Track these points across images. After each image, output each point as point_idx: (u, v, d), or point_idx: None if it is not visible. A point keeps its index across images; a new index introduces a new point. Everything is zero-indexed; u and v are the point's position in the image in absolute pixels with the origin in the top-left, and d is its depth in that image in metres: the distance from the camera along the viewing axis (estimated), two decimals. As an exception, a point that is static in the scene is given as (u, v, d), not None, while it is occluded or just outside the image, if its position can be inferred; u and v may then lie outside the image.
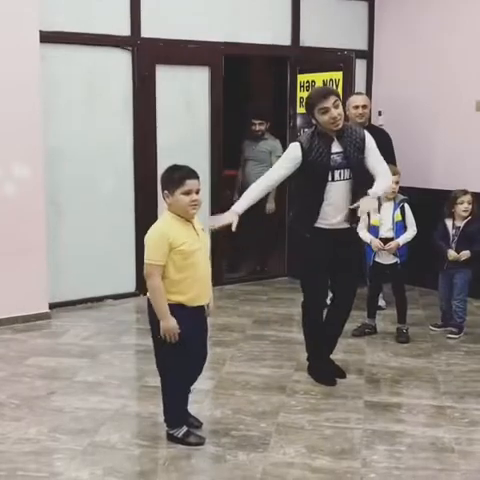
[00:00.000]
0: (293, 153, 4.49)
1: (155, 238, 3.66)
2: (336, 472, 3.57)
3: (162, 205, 6.72)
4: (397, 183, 5.51)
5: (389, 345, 5.50)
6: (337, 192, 4.48)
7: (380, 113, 7.39)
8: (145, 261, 3.66)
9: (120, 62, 6.53)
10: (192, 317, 3.73)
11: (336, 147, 4.47)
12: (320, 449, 3.80)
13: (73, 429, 4.01)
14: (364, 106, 6.17)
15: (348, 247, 4.63)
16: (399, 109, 7.35)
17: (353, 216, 4.54)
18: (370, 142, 4.56)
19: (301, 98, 7.29)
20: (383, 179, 4.55)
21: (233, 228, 4.29)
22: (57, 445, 3.83)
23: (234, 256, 7.81)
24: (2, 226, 5.77)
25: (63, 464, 3.62)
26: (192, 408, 4.03)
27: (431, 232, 5.73)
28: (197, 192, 3.69)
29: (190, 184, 3.66)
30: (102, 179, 6.54)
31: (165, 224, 3.71)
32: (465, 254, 5.56)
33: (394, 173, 5.47)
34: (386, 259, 5.57)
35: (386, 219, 5.53)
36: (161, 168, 6.66)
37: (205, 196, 7.08)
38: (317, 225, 4.53)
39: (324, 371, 4.74)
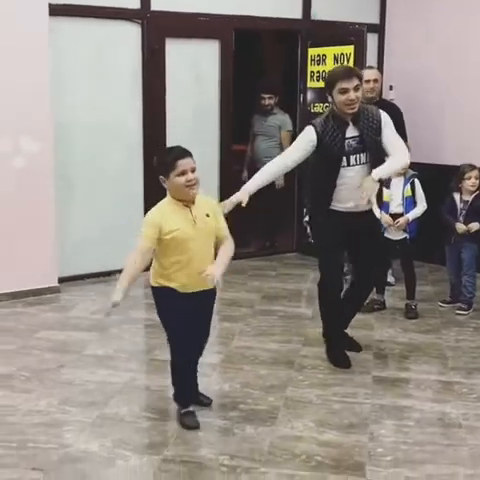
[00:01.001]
0: (308, 136, 4.40)
1: (147, 220, 3.63)
2: (344, 446, 3.59)
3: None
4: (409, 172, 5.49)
5: (398, 321, 5.50)
6: (354, 177, 4.38)
7: (391, 87, 7.33)
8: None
9: (129, 35, 6.48)
10: (183, 301, 3.65)
11: (351, 131, 4.38)
12: (328, 423, 3.82)
13: (83, 402, 4.04)
14: (375, 80, 6.11)
15: (367, 229, 4.54)
16: (410, 83, 7.29)
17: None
18: (386, 121, 4.46)
19: (312, 72, 7.25)
20: (392, 160, 4.43)
21: (243, 204, 4.27)
22: (67, 417, 3.87)
23: (243, 231, 7.78)
24: (12, 200, 5.78)
25: (72, 436, 3.66)
26: (201, 382, 4.05)
27: (441, 208, 5.71)
28: (192, 171, 3.60)
29: (182, 164, 3.57)
30: (111, 153, 6.52)
31: (159, 210, 3.65)
32: (474, 225, 5.54)
33: None
34: (395, 235, 5.55)
35: (396, 194, 5.51)
36: (170, 142, 6.74)
37: (214, 171, 7.08)
38: (333, 208, 4.46)
39: (341, 356, 4.67)
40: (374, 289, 5.72)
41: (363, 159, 4.41)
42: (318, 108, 7.18)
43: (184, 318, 3.67)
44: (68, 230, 6.29)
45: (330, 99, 4.41)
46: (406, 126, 6.24)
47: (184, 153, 3.64)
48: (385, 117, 4.47)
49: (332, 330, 4.75)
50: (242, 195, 4.29)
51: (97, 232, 6.49)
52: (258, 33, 8.68)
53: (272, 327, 5.33)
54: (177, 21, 6.63)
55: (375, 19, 7.63)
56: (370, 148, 4.40)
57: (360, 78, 4.40)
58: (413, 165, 5.70)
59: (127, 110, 6.55)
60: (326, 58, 7.09)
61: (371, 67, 6.49)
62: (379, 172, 4.32)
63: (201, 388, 4.05)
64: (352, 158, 4.39)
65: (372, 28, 7.39)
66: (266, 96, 7.51)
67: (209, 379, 4.36)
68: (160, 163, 3.70)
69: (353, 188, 4.37)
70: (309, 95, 7.33)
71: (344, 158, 4.37)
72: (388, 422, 3.86)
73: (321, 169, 4.47)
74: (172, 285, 3.66)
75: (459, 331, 5.29)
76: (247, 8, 6.99)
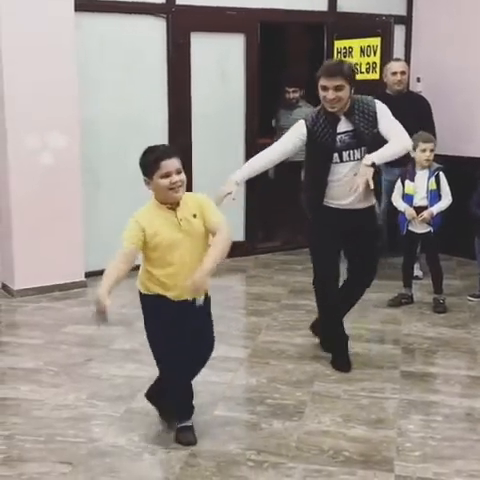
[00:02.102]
0: (298, 130, 4.25)
1: (130, 222, 3.45)
2: (372, 441, 3.57)
3: (196, 174, 6.80)
4: (432, 151, 5.42)
5: (426, 315, 5.45)
6: (348, 173, 4.19)
7: (419, 79, 7.25)
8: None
9: (155, 30, 6.47)
10: (173, 310, 3.40)
11: (344, 126, 4.19)
12: (356, 418, 3.80)
13: (110, 396, 4.06)
14: (402, 72, 6.06)
15: (364, 227, 4.37)
16: (438, 75, 7.20)
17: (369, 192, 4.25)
18: (382, 110, 4.24)
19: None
20: (389, 144, 4.17)
21: (232, 197, 4.11)
22: (95, 411, 3.89)
23: (269, 226, 7.78)
24: (39, 195, 5.81)
25: (101, 430, 3.68)
26: (227, 377, 4.04)
27: (469, 201, 5.65)
28: (177, 172, 3.33)
29: (166, 165, 3.32)
30: (137, 148, 6.44)
31: (143, 213, 3.45)
32: None
33: (428, 141, 5.40)
34: (420, 228, 5.50)
35: (420, 187, 5.45)
36: (196, 136, 6.76)
37: (239, 165, 6.99)
38: (327, 205, 4.30)
39: (340, 360, 4.49)
40: (402, 283, 5.71)
41: (357, 155, 4.20)
42: (344, 101, 7.13)
43: (174, 329, 3.42)
44: (95, 224, 6.32)
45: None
46: (433, 118, 6.19)
47: (168, 153, 3.40)
48: (381, 107, 4.26)
49: (334, 331, 4.54)
50: (229, 186, 4.18)
51: (124, 226, 6.49)
52: (283, 26, 8.62)
53: (299, 321, 5.31)
54: (202, 15, 6.62)
55: (402, 10, 7.54)
56: (365, 143, 4.19)
57: (347, 77, 4.11)
58: (440, 157, 5.65)
59: (153, 105, 6.56)
60: (353, 50, 7.04)
61: (398, 59, 6.44)
62: (373, 156, 4.08)
63: (227, 382, 4.04)
64: (345, 154, 4.19)
65: (399, 19, 7.31)
66: (291, 89, 7.47)
67: (235, 374, 4.36)
68: (143, 163, 3.44)
69: (347, 185, 4.18)
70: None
71: (336, 154, 4.19)
72: (416, 417, 3.83)
73: (313, 165, 4.36)
74: (158, 290, 3.43)
75: (488, 325, 5.24)
76: (272, 1, 6.95)
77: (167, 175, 3.32)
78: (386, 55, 6.63)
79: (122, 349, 4.78)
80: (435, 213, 5.43)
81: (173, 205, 3.38)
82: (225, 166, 7.02)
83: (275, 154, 4.34)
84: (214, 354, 4.55)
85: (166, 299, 3.42)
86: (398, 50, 7.17)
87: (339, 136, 4.19)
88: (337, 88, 4.08)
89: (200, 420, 3.78)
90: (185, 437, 3.54)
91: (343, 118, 4.20)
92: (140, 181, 6.84)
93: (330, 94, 4.10)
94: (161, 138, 6.62)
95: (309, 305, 5.66)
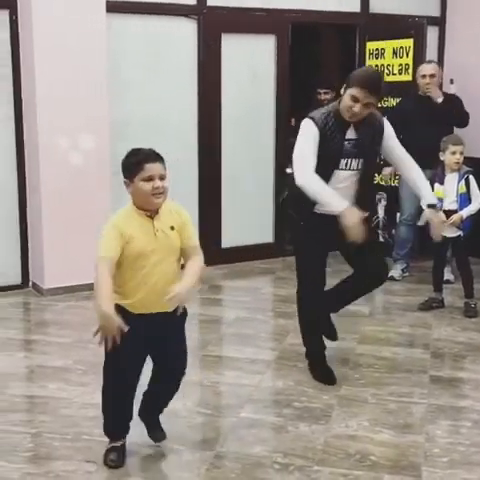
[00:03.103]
0: (312, 131, 3.96)
1: (107, 228, 3.14)
2: (399, 446, 3.53)
3: (226, 176, 6.79)
4: (462, 154, 5.35)
5: (456, 320, 5.38)
6: (339, 181, 4.02)
7: (452, 81, 7.16)
8: (96, 257, 3.09)
9: (186, 31, 6.49)
10: (135, 323, 3.09)
11: (350, 134, 4.01)
12: (383, 423, 3.76)
13: (137, 395, 4.03)
14: (432, 75, 6.01)
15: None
16: (472, 77, 7.11)
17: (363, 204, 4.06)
18: (390, 131, 4.13)
19: (370, 66, 7.14)
20: (422, 179, 4.22)
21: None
22: (121, 411, 3.88)
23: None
24: (69, 195, 5.85)
25: (127, 430, 3.68)
26: (254, 379, 4.02)
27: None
28: (161, 178, 3.18)
29: (150, 168, 3.15)
30: (167, 150, 6.45)
31: (119, 217, 3.19)
32: None
33: (458, 143, 5.34)
34: (449, 232, 5.43)
35: (450, 191, 5.39)
36: (226, 139, 6.76)
37: (269, 167, 7.04)
38: (317, 211, 4.04)
39: (323, 372, 4.33)
40: (432, 287, 5.65)
41: (354, 165, 4.03)
42: (376, 103, 7.08)
43: (131, 344, 3.10)
44: (124, 225, 6.33)
45: (342, 92, 4.01)
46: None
47: (154, 156, 3.24)
48: (388, 128, 4.13)
49: (314, 345, 4.40)
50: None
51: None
52: (315, 27, 8.59)
53: (327, 324, 5.27)
54: (233, 16, 6.62)
55: (436, 12, 7.47)
56: (365, 155, 4.04)
57: (379, 98, 3.98)
58: (470, 160, 5.58)
59: (183, 106, 6.57)
60: (385, 52, 6.98)
61: (430, 61, 6.38)
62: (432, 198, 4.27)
63: (254, 384, 4.01)
64: (343, 161, 4.01)
65: (432, 21, 7.24)
66: (322, 91, 7.44)
67: (262, 376, 4.35)
68: (125, 164, 3.22)
69: (341, 192, 3.99)
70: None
71: (342, 161, 4.01)
72: (445, 423, 3.78)
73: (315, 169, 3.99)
74: (125, 302, 3.16)
75: (520, 331, 5.16)
76: (303, 2, 6.92)
77: (150, 179, 3.14)
78: (419, 57, 6.57)
79: (149, 349, 4.77)
80: (465, 217, 5.37)
81: (151, 213, 3.19)
82: (255, 168, 7.05)
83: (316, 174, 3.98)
84: (242, 356, 4.58)
85: (127, 312, 3.14)
86: (431, 51, 7.09)
87: (345, 142, 4.03)
88: (367, 105, 3.91)
89: (226, 422, 3.78)
90: (112, 458, 3.35)
91: (351, 126, 4.03)
92: (169, 182, 6.83)
93: (357, 108, 3.90)
94: (191, 140, 6.64)
95: (338, 308, 5.63)
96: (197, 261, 3.26)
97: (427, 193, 4.29)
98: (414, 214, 6.05)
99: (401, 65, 6.79)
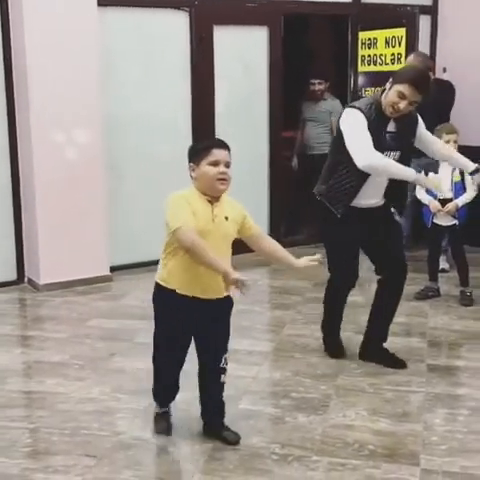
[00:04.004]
0: (361, 118, 3.98)
1: (178, 200, 3.24)
2: (397, 435, 3.54)
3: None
4: (455, 142, 5.35)
5: (452, 308, 5.39)
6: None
7: (445, 70, 7.16)
8: (173, 228, 3.18)
9: (178, 24, 6.46)
10: (179, 305, 3.29)
11: (390, 126, 4.09)
12: (381, 412, 3.77)
13: (134, 389, 4.07)
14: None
15: (385, 222, 4.29)
16: (464, 66, 7.11)
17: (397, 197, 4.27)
18: (421, 123, 4.24)
19: (362, 56, 7.15)
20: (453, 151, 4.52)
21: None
22: (119, 405, 3.90)
23: (293, 219, 7.75)
24: (64, 190, 5.84)
25: (125, 423, 3.68)
26: (252, 370, 4.03)
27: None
28: (226, 165, 3.24)
29: (217, 154, 3.23)
30: (161, 142, 6.53)
31: (185, 192, 3.29)
32: None
33: (452, 132, 5.34)
34: (445, 220, 5.44)
35: (445, 180, 5.38)
36: (219, 131, 6.73)
37: (263, 158, 7.04)
38: (353, 205, 4.15)
39: (334, 344, 4.56)
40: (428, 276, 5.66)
41: (392, 158, 4.08)
42: (369, 93, 7.08)
43: (177, 322, 3.33)
44: (119, 219, 6.33)
45: (387, 86, 4.03)
46: (458, 109, 6.13)
47: (222, 143, 3.32)
48: (420, 119, 4.25)
49: (329, 324, 4.60)
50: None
51: (148, 221, 6.51)
52: (307, 18, 8.58)
53: (323, 315, 5.28)
54: (225, 8, 6.60)
55: (428, 0, 7.45)
56: (402, 148, 4.12)
57: (425, 93, 4.00)
58: (464, 148, 5.56)
59: (176, 99, 6.55)
60: (377, 42, 6.98)
61: (419, 54, 6.34)
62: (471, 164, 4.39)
63: (252, 375, 4.03)
64: (384, 154, 4.05)
65: (424, 10, 7.22)
66: (316, 81, 7.43)
67: (260, 367, 4.35)
68: (193, 148, 3.34)
69: (378, 185, 4.13)
70: (360, 80, 7.23)
71: (385, 153, 4.05)
72: (442, 411, 3.79)
73: (352, 161, 4.01)
74: (172, 282, 3.30)
75: (516, 318, 5.17)
76: (295, -7, 6.92)
77: (216, 163, 3.22)
78: (411, 46, 6.57)
79: (145, 343, 4.71)
80: (460, 205, 5.38)
81: (212, 199, 3.27)
82: (249, 160, 7.03)
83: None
84: (239, 347, 4.58)
85: (173, 292, 3.29)
86: (423, 41, 7.09)
87: (386, 135, 4.09)
88: (413, 103, 3.97)
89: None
90: (160, 427, 3.57)
91: (392, 118, 4.09)
92: (163, 175, 6.88)
93: (403, 105, 3.95)
94: (185, 132, 6.62)
95: (334, 298, 5.64)
96: (271, 239, 3.53)
97: (465, 161, 4.37)
98: (409, 204, 6.04)
99: (394, 55, 6.79)
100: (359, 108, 4.04)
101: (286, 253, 3.50)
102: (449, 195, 5.39)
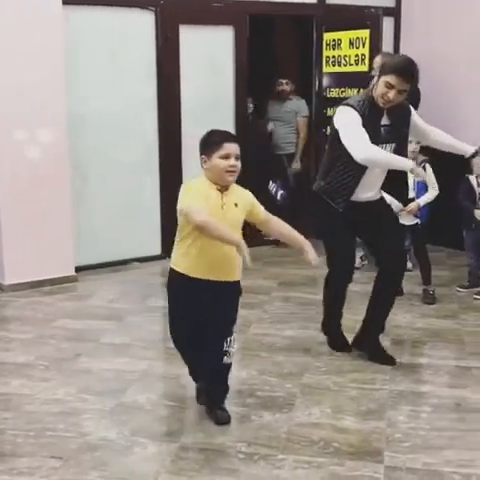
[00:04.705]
0: (355, 116, 4.09)
1: (193, 189, 3.46)
2: (362, 432, 3.58)
3: (187, 168, 6.78)
4: (418, 143, 5.43)
5: (415, 306, 5.47)
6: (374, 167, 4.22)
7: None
8: (186, 211, 3.37)
9: (143, 23, 6.46)
10: (190, 289, 3.52)
11: (384, 119, 4.20)
12: (345, 410, 3.81)
13: (100, 390, 4.06)
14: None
15: (382, 214, 4.40)
16: (427, 67, 7.16)
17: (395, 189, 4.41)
18: (414, 114, 4.36)
19: (327, 57, 7.20)
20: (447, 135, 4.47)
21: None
22: (85, 406, 3.88)
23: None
24: (28, 190, 5.79)
25: (91, 424, 3.67)
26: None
27: (458, 193, 5.67)
28: (236, 158, 3.47)
29: (228, 148, 3.46)
30: (126, 142, 6.52)
31: (197, 183, 3.52)
32: None
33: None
34: (407, 220, 5.51)
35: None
36: (185, 131, 6.74)
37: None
38: (353, 199, 4.27)
39: (337, 338, 4.63)
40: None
41: (388, 149, 4.21)
42: (334, 93, 7.15)
43: (189, 305, 3.57)
44: (84, 219, 6.31)
45: (374, 81, 4.19)
46: (424, 110, 6.19)
47: (232, 137, 3.59)
48: (413, 110, 4.37)
49: (333, 320, 4.66)
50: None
51: (113, 221, 6.51)
52: (273, 19, 8.61)
53: (289, 314, 5.32)
54: (191, 7, 6.60)
55: (391, 2, 7.55)
56: (397, 140, 4.25)
57: (411, 82, 4.11)
58: (428, 149, 5.64)
59: (141, 98, 6.54)
60: (341, 43, 7.04)
61: (384, 54, 6.42)
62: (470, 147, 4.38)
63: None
64: (380, 146, 4.19)
65: (388, 11, 7.32)
66: (284, 81, 7.46)
67: (226, 366, 4.37)
68: (205, 142, 3.55)
69: (375, 177, 4.25)
70: (325, 80, 7.28)
71: (381, 145, 4.17)
72: (406, 408, 3.84)
73: (350, 155, 4.13)
74: (183, 265, 3.52)
75: (477, 316, 5.25)
76: (261, -7, 6.94)
77: (227, 157, 3.45)
78: (375, 47, 6.64)
79: (112, 343, 4.77)
80: (422, 205, 5.46)
81: (222, 188, 3.49)
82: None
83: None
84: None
85: (182, 275, 3.52)
86: (387, 42, 7.17)
87: (380, 128, 4.20)
88: (401, 91, 4.07)
89: (191, 413, 3.80)
90: (199, 402, 3.81)
91: (385, 112, 4.19)
92: (128, 175, 6.86)
93: (392, 94, 4.05)
94: (151, 132, 6.62)
95: (300, 297, 5.69)
96: (280, 221, 3.74)
97: (463, 145, 4.42)
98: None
99: (357, 56, 6.86)
100: (351, 105, 4.16)
101: (298, 237, 3.72)
102: (411, 195, 5.47)
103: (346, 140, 4.13)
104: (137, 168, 6.60)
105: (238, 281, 3.64)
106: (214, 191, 3.48)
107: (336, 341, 4.63)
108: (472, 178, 5.63)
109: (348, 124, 4.14)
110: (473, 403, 3.88)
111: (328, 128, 7.20)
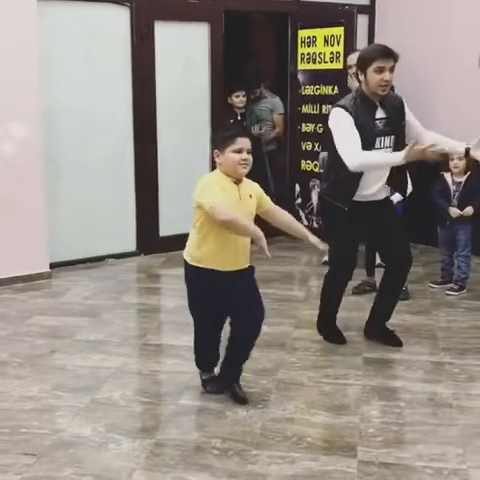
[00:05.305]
0: (348, 117, 4.17)
1: (210, 184, 3.56)
2: (335, 427, 3.61)
3: (162, 164, 6.77)
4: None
5: (389, 302, 5.50)
6: None
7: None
8: (207, 207, 3.46)
9: (118, 19, 6.43)
10: (215, 280, 3.66)
11: (379, 113, 4.27)
12: (319, 405, 3.84)
13: (75, 387, 4.05)
14: (349, 66, 6.08)
15: (386, 215, 4.48)
16: (401, 65, 7.20)
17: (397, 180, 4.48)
18: (406, 106, 4.42)
19: (302, 54, 7.22)
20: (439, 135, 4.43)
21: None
22: (59, 402, 3.87)
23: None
24: (1, 186, 5.75)
25: (65, 421, 3.66)
26: (192, 366, 4.05)
27: (432, 190, 5.72)
28: (248, 152, 3.60)
29: (241, 142, 3.58)
30: (101, 138, 6.49)
31: (213, 177, 3.65)
32: (469, 210, 5.56)
33: None
34: None
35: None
36: (160, 126, 6.74)
37: (205, 153, 7.06)
38: (355, 199, 4.34)
39: (333, 332, 4.75)
40: (365, 271, 5.77)
41: (387, 143, 4.29)
42: (309, 90, 7.17)
43: (211, 297, 3.72)
44: (58, 216, 6.28)
45: (361, 78, 4.23)
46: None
47: (244, 132, 3.75)
48: (404, 101, 4.42)
49: (327, 313, 4.76)
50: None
51: (88, 217, 6.48)
52: (249, 16, 8.62)
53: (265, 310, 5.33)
54: (166, 4, 6.59)
55: (365, 0, 7.58)
56: (396, 131, 4.31)
57: (396, 60, 4.20)
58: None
59: (116, 94, 6.52)
60: (316, 40, 7.06)
61: (358, 51, 6.45)
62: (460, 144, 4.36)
63: (193, 371, 4.05)
64: (378, 140, 4.26)
65: (362, 9, 7.34)
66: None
67: (201, 363, 4.38)
68: (218, 137, 3.69)
69: (377, 172, 4.31)
70: (300, 77, 7.31)
71: (377, 139, 4.25)
72: (379, 403, 3.88)
73: None
74: (202, 259, 3.64)
75: (450, 312, 5.31)
76: (236, -10, 6.94)
77: (239, 151, 3.57)
78: (349, 45, 6.66)
79: (87, 340, 4.76)
80: (395, 202, 5.48)
81: (237, 181, 3.63)
82: (191, 156, 7.04)
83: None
84: (181, 344, 4.61)
85: (208, 270, 3.64)
86: (361, 40, 7.20)
87: (376, 122, 4.26)
88: (392, 69, 4.17)
89: (166, 409, 3.80)
90: (212, 387, 3.94)
91: (379, 105, 4.26)
92: (104, 171, 6.82)
93: (387, 75, 4.14)
94: (126, 128, 6.60)
95: (275, 294, 5.71)
96: (283, 210, 3.93)
97: (454, 143, 4.41)
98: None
99: (332, 53, 6.88)
100: (343, 106, 4.24)
101: (300, 226, 3.95)
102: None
103: (338, 147, 4.23)
104: (112, 164, 6.58)
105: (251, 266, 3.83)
106: (230, 184, 3.62)
107: (333, 334, 4.72)
108: (447, 176, 5.68)
109: (339, 128, 4.23)
110: (445, 398, 3.93)
111: (303, 125, 7.28)
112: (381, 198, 4.47)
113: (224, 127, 3.76)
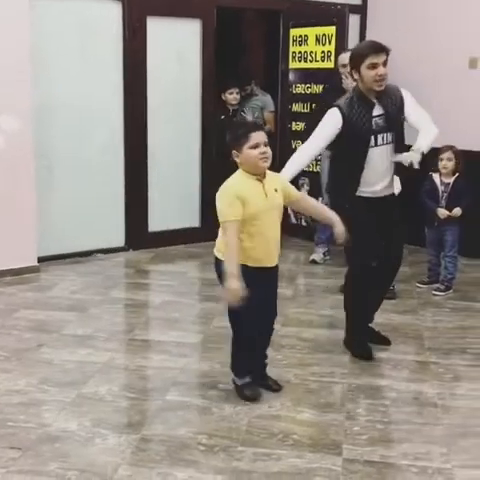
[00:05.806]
0: (333, 120, 4.24)
1: (228, 194, 3.58)
2: (320, 425, 3.63)
3: (152, 160, 6.77)
4: None
5: (376, 301, 5.53)
6: (379, 157, 4.30)
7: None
8: (220, 220, 3.58)
9: (111, 14, 6.43)
10: (254, 277, 3.61)
11: (377, 110, 4.27)
12: (305, 402, 3.86)
13: (62, 381, 4.05)
14: (343, 65, 6.10)
15: (392, 212, 4.47)
16: (393, 65, 7.23)
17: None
18: (407, 97, 4.40)
19: (293, 53, 7.23)
20: (427, 132, 4.34)
21: None
22: (46, 397, 3.87)
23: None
24: (-9, 179, 5.74)
25: (52, 415, 3.66)
26: (180, 362, 4.07)
27: (421, 191, 5.74)
28: (265, 144, 3.59)
29: (255, 137, 3.57)
30: (92, 132, 6.48)
31: (236, 182, 3.63)
32: (457, 211, 5.59)
33: None
34: None
35: None
36: (151, 122, 6.73)
37: (195, 150, 7.07)
38: (359, 194, 4.32)
39: (363, 346, 4.51)
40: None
41: (389, 138, 4.31)
42: (300, 89, 7.19)
43: (256, 292, 3.63)
44: (48, 210, 6.27)
45: (356, 76, 4.25)
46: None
47: (257, 126, 3.73)
48: (406, 93, 4.42)
49: (358, 322, 4.56)
50: None
51: (77, 212, 6.47)
52: (241, 13, 8.62)
53: (252, 307, 5.34)
54: (158, -1, 6.59)
55: (357, 0, 7.60)
56: (395, 127, 4.32)
57: (388, 53, 4.24)
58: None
59: (108, 89, 6.51)
60: (308, 39, 7.08)
61: (350, 50, 6.47)
62: (420, 146, 4.25)
63: (180, 367, 4.07)
64: (379, 137, 4.27)
65: (354, 9, 7.37)
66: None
67: (188, 359, 4.39)
68: (232, 137, 3.65)
69: (379, 169, 4.33)
70: (291, 76, 7.32)
71: (372, 137, 4.26)
72: (364, 401, 3.90)
73: (348, 152, 4.29)
74: (244, 259, 3.63)
75: (436, 312, 5.35)
76: (229, -13, 6.95)
77: (256, 146, 3.56)
78: (341, 44, 6.68)
79: (74, 334, 4.76)
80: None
81: (261, 176, 3.62)
82: (181, 152, 7.05)
83: (316, 149, 4.36)
84: (168, 339, 4.63)
85: (246, 267, 3.61)
86: (353, 39, 7.22)
87: (374, 119, 4.26)
88: (385, 63, 4.19)
89: (152, 405, 3.81)
90: (251, 393, 3.87)
91: (376, 102, 4.27)
92: (94, 165, 6.81)
93: (381, 70, 4.17)
94: (117, 123, 6.60)
95: (262, 291, 5.71)
96: (309, 197, 4.07)
97: (420, 141, 4.32)
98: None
99: (324, 52, 6.90)
100: (338, 105, 4.28)
101: (328, 211, 3.98)
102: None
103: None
104: (102, 159, 6.57)
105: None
106: (254, 183, 3.61)
107: (363, 348, 4.48)
108: (435, 176, 5.71)
109: (319, 125, 4.31)
110: (430, 397, 3.95)
111: (293, 123, 7.30)
112: (389, 194, 4.46)
113: (233, 127, 3.75)
